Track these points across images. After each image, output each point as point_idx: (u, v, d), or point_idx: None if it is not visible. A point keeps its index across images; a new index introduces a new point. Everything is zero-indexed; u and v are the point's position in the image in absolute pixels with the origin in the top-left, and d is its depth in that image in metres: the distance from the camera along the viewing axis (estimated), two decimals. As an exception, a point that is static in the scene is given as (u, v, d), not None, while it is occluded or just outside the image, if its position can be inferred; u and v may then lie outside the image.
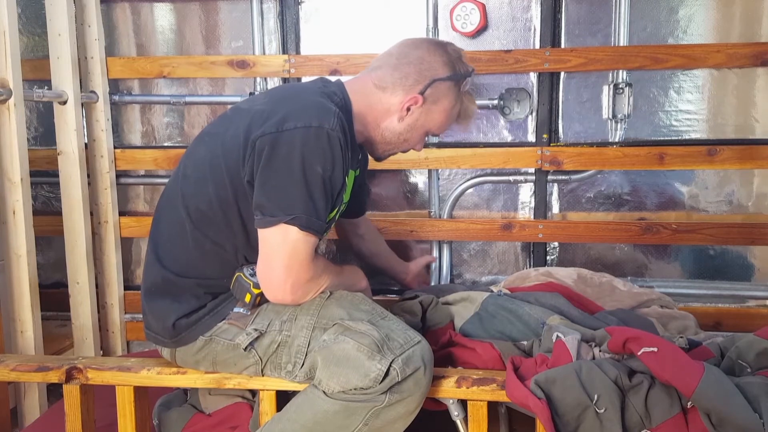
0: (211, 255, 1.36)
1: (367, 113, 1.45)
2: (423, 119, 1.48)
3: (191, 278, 1.37)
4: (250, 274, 1.34)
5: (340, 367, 1.22)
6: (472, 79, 1.53)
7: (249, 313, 1.36)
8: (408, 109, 1.45)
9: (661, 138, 2.08)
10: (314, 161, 1.25)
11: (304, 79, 2.17)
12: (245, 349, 1.33)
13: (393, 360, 1.21)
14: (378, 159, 1.57)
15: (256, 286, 1.32)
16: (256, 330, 1.33)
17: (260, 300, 1.35)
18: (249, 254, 1.36)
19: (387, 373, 1.20)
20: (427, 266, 2.10)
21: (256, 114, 1.32)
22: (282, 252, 1.26)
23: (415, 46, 1.47)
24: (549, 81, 2.10)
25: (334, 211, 1.39)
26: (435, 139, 2.18)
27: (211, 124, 1.47)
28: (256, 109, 1.34)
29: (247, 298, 1.34)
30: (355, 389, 1.20)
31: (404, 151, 1.56)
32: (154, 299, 1.40)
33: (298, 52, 2.20)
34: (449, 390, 1.30)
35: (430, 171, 2.20)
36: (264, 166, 1.27)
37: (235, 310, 1.37)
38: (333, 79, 1.49)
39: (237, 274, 1.35)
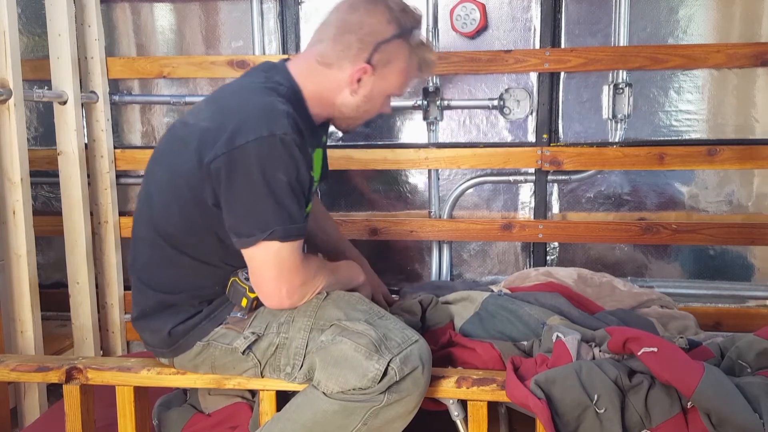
0: (197, 269, 1.35)
1: (319, 94, 1.38)
2: (379, 86, 1.38)
3: (184, 293, 1.36)
4: (245, 279, 1.33)
5: (338, 367, 1.22)
6: (422, 26, 1.43)
7: (246, 316, 1.35)
8: (358, 81, 1.36)
9: (661, 138, 2.08)
10: (275, 171, 1.21)
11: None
12: (243, 353, 1.32)
13: (391, 359, 1.20)
14: (345, 132, 1.51)
15: (252, 290, 1.32)
16: (253, 333, 1.32)
17: (257, 304, 1.34)
18: (235, 261, 1.33)
19: (385, 373, 1.20)
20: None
21: (203, 133, 1.26)
22: (269, 266, 1.26)
23: (352, 10, 1.35)
24: (549, 81, 2.10)
25: (309, 205, 1.36)
26: (435, 139, 2.18)
27: (163, 142, 1.39)
28: (202, 127, 1.28)
29: (244, 302, 1.34)
30: (353, 389, 1.20)
31: (372, 118, 1.49)
32: (150, 319, 1.39)
33: (298, 52, 2.20)
34: (449, 390, 1.30)
35: (430, 171, 2.20)
36: (226, 188, 1.23)
37: (232, 314, 1.36)
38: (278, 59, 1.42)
39: (232, 279, 1.35)
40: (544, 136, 2.11)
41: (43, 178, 2.29)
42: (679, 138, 2.08)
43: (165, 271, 1.37)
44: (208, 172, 1.24)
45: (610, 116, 2.07)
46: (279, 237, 1.23)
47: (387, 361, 1.20)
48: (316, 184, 1.45)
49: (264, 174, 1.21)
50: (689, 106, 2.07)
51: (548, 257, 2.22)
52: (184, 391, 1.58)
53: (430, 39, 2.11)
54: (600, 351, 1.33)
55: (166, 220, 1.33)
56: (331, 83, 1.37)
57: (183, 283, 1.36)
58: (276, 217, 1.23)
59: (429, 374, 1.26)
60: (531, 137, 2.15)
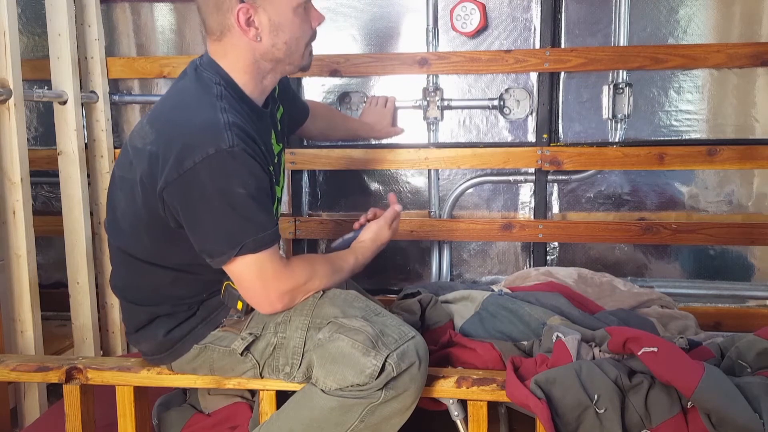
0: (177, 279, 1.35)
1: (244, 70, 1.31)
2: (273, 9, 1.27)
3: (168, 303, 1.37)
4: None
5: (335, 364, 1.22)
6: None
7: (243, 318, 1.36)
8: (250, 25, 1.27)
9: (661, 138, 2.08)
10: (231, 186, 1.19)
11: (305, 81, 2.18)
12: (242, 354, 1.32)
13: (388, 355, 1.21)
14: (304, 69, 1.41)
15: None
16: (251, 334, 1.32)
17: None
18: (214, 269, 1.29)
19: (382, 369, 1.20)
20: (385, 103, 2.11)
21: (151, 157, 1.23)
22: (250, 278, 1.26)
23: None
24: (549, 81, 2.10)
25: (276, 203, 1.35)
26: (435, 139, 2.18)
27: (118, 167, 1.37)
28: (150, 151, 1.24)
29: (239, 305, 1.34)
30: (351, 386, 1.21)
31: (311, 40, 1.39)
32: (144, 330, 1.39)
33: (298, 52, 2.19)
34: (449, 390, 1.30)
35: (430, 171, 2.20)
36: (185, 214, 1.22)
37: (229, 316, 1.37)
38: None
39: (225, 283, 1.35)
40: (544, 136, 2.11)
41: (43, 178, 2.29)
42: (679, 138, 2.07)
43: (146, 287, 1.37)
44: (162, 199, 1.22)
45: (610, 116, 2.07)
46: (251, 250, 1.22)
47: (384, 357, 1.20)
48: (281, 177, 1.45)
49: (221, 192, 1.19)
50: (689, 106, 2.07)
51: (548, 257, 2.21)
52: (184, 391, 1.58)
53: (430, 39, 2.11)
54: (600, 351, 1.33)
55: (136, 243, 1.34)
56: (238, 49, 1.30)
57: (166, 294, 1.36)
58: (244, 231, 1.21)
59: (426, 370, 1.27)
60: (531, 137, 2.15)
